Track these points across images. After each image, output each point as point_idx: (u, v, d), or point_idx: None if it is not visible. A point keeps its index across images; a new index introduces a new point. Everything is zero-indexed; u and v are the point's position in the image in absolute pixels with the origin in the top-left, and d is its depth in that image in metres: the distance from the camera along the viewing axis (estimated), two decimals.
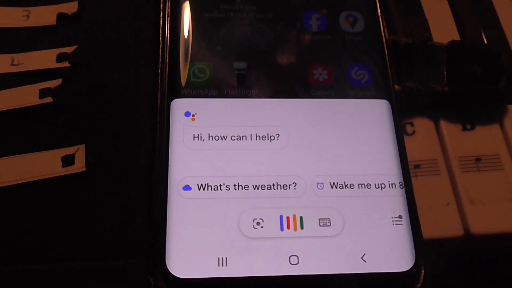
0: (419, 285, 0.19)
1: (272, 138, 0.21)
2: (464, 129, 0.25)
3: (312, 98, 0.22)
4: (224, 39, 0.23)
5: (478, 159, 0.24)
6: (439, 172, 0.24)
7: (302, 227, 0.20)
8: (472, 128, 0.25)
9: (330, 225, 0.20)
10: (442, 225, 0.22)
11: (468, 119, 0.25)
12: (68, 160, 0.22)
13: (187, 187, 0.20)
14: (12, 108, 0.23)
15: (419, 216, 0.20)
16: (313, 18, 0.24)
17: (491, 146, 0.24)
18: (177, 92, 0.21)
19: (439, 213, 0.23)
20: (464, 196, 0.23)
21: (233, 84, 0.22)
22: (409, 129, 0.25)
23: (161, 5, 0.23)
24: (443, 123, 0.25)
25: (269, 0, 0.24)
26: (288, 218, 0.20)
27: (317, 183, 0.20)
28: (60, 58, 0.24)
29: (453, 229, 0.22)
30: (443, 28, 0.27)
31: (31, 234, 0.21)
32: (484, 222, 0.22)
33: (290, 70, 0.23)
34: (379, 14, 0.24)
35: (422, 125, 0.25)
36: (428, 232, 0.21)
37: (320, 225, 0.20)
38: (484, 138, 0.25)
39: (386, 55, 0.23)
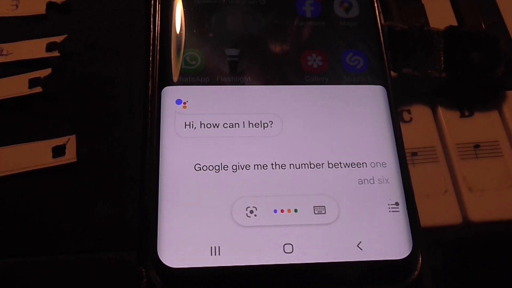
0: (416, 273, 0.19)
1: (266, 125, 0.21)
2: (462, 115, 0.24)
3: (306, 84, 0.22)
4: (216, 25, 0.22)
5: (476, 146, 0.24)
6: (437, 160, 0.23)
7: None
8: (471, 114, 0.24)
9: (325, 213, 0.19)
10: (440, 213, 0.22)
11: (466, 105, 0.25)
12: (58, 151, 0.22)
13: (178, 176, 0.19)
14: (1, 98, 0.22)
15: (417, 204, 0.20)
16: (306, 4, 0.23)
17: (489, 133, 0.24)
18: (168, 79, 0.21)
19: (437, 201, 0.22)
20: (462, 184, 0.23)
21: (225, 71, 0.22)
22: (406, 116, 0.24)
23: None
24: (440, 110, 0.24)
25: None
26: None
27: (312, 170, 0.20)
28: (49, 47, 0.24)
29: (452, 217, 0.22)
30: (440, 14, 0.27)
31: (21, 226, 0.20)
32: (483, 210, 0.22)
33: (283, 57, 0.22)
34: None
35: (419, 112, 0.24)
36: (426, 220, 0.21)
37: (314, 213, 0.19)
38: (483, 125, 0.24)
39: (382, 41, 0.23)
